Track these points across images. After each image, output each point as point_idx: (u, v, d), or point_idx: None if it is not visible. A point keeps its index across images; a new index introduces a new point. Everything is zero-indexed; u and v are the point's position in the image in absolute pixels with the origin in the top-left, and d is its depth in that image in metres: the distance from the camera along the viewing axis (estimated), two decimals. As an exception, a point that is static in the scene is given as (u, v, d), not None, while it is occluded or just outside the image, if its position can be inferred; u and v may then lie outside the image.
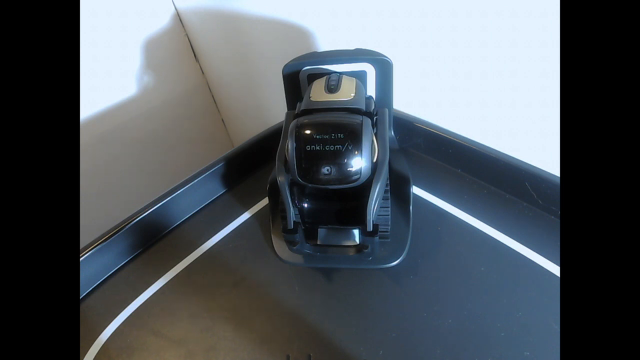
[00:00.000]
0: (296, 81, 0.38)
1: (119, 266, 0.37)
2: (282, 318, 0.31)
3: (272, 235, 0.36)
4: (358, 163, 0.28)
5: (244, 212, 0.40)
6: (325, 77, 0.33)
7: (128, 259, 0.37)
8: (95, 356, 0.30)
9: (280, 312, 0.31)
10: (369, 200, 0.28)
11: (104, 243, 0.35)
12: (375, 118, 0.32)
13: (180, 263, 0.36)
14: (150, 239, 0.39)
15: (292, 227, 0.30)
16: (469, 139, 0.39)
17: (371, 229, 0.29)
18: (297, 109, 0.32)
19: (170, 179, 0.42)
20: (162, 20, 0.66)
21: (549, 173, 0.34)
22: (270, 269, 0.34)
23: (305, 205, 0.32)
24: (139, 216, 0.37)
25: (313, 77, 0.36)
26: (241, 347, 0.30)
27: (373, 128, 0.30)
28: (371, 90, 0.37)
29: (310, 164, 0.28)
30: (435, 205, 0.37)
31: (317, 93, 0.32)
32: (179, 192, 0.39)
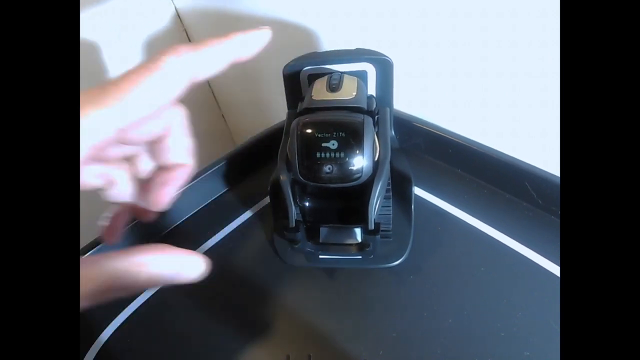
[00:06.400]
0: (297, 82, 0.38)
1: (119, 266, 0.37)
2: (282, 318, 0.31)
3: (273, 235, 0.36)
4: (359, 162, 0.28)
5: (245, 211, 0.40)
6: (326, 76, 0.33)
7: (128, 259, 0.37)
8: (95, 356, 0.30)
9: (280, 312, 0.31)
10: (370, 198, 0.28)
11: (104, 243, 0.35)
12: (376, 117, 0.32)
13: (181, 263, 0.36)
14: (150, 238, 0.39)
15: (293, 225, 0.30)
16: (469, 139, 0.39)
17: (372, 227, 0.29)
18: (298, 108, 0.32)
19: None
20: (160, 17, 0.66)
21: (549, 173, 0.34)
22: (271, 268, 0.34)
23: (307, 204, 0.32)
24: (139, 216, 0.37)
25: (313, 77, 0.36)
26: (241, 347, 0.30)
27: (374, 127, 0.30)
28: (371, 90, 0.37)
29: (312, 162, 0.28)
30: (436, 205, 0.37)
31: (319, 92, 0.32)
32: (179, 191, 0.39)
